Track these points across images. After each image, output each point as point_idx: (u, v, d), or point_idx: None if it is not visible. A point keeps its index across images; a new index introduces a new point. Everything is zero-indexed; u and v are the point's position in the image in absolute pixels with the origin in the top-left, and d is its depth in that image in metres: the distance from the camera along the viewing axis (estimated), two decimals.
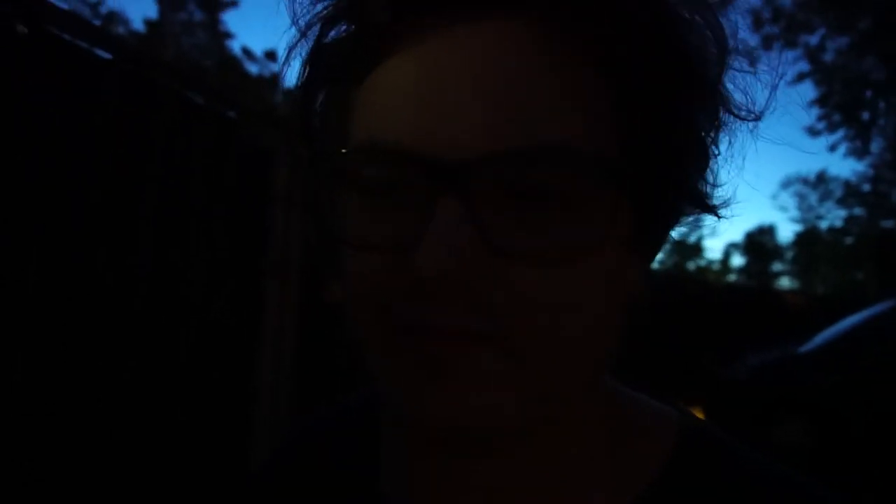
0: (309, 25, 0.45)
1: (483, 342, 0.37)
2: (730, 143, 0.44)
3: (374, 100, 0.40)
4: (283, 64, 0.47)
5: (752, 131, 0.44)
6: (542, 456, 0.44)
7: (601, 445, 0.46)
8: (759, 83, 0.43)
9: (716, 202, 0.44)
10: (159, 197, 2.01)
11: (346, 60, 0.43)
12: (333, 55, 0.44)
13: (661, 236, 0.45)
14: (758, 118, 0.43)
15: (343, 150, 0.42)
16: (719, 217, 0.45)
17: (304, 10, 0.45)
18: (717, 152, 0.44)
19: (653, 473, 0.44)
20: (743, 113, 0.43)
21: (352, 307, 0.42)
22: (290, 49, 0.47)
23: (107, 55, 1.92)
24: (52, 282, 1.74)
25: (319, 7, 0.45)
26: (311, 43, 0.46)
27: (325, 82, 0.46)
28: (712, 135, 0.43)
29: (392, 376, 0.40)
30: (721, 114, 0.42)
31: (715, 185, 0.44)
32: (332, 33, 0.45)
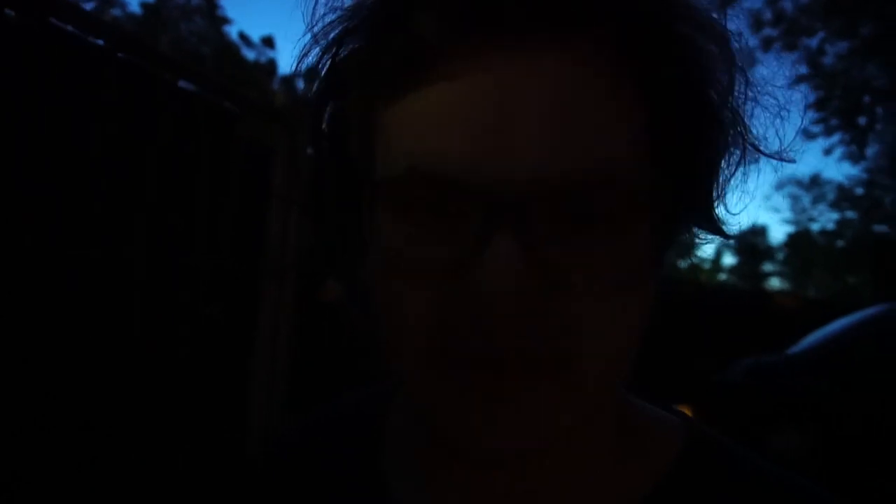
0: (325, 34, 0.43)
1: (542, 370, 0.38)
2: (745, 171, 0.45)
3: (423, 117, 0.38)
4: (296, 65, 0.45)
5: (776, 170, 0.46)
6: (557, 463, 0.45)
7: (610, 452, 0.47)
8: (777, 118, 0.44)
9: (726, 226, 0.46)
10: (155, 194, 1.96)
11: (378, 72, 0.40)
12: (360, 69, 0.42)
13: (669, 250, 0.47)
14: (787, 159, 0.44)
15: (390, 166, 0.40)
16: (728, 238, 0.47)
17: (319, 18, 0.43)
18: (732, 180, 0.45)
19: (658, 478, 0.45)
20: (768, 150, 0.44)
21: (393, 332, 0.41)
22: (301, 57, 0.44)
23: (102, 43, 1.85)
24: (47, 279, 1.69)
25: (335, 16, 0.42)
26: (321, 51, 0.44)
27: (345, 96, 0.43)
28: (729, 162, 0.44)
29: (442, 406, 0.39)
30: (739, 144, 0.44)
31: (727, 211, 0.46)
32: (351, 46, 0.42)
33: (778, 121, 0.44)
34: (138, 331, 1.89)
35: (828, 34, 13.40)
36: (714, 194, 0.45)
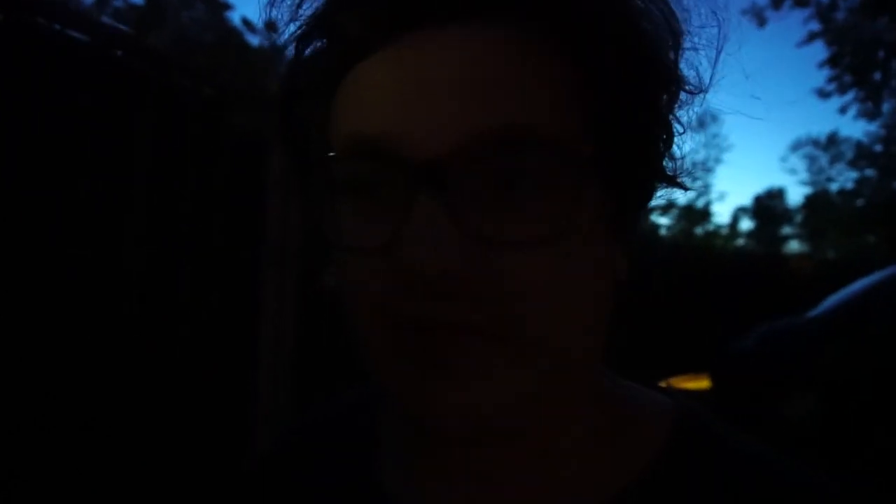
0: (285, 44, 0.47)
1: (483, 335, 0.38)
2: (692, 118, 0.47)
3: (349, 105, 0.41)
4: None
5: (700, 105, 0.47)
6: (538, 446, 0.45)
7: (594, 435, 0.47)
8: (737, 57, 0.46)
9: (682, 176, 0.47)
10: (150, 188, 1.97)
11: (321, 73, 0.44)
12: (309, 70, 0.46)
13: (637, 216, 0.47)
14: (703, 91, 0.46)
15: (325, 154, 0.43)
16: (686, 190, 0.48)
17: (285, 26, 0.47)
18: (680, 130, 0.46)
19: (645, 463, 0.45)
20: (691, 88, 0.46)
21: (348, 307, 0.43)
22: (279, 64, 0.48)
23: (88, 40, 1.85)
24: (43, 278, 1.71)
25: (294, 26, 0.47)
26: (288, 57, 0.47)
27: (302, 96, 0.47)
28: (674, 113, 0.46)
29: (395, 376, 0.40)
30: (679, 93, 0.45)
31: (680, 160, 0.47)
32: (308, 49, 0.46)
33: (710, 61, 0.46)
34: (138, 326, 1.91)
35: None
36: (659, 147, 0.46)
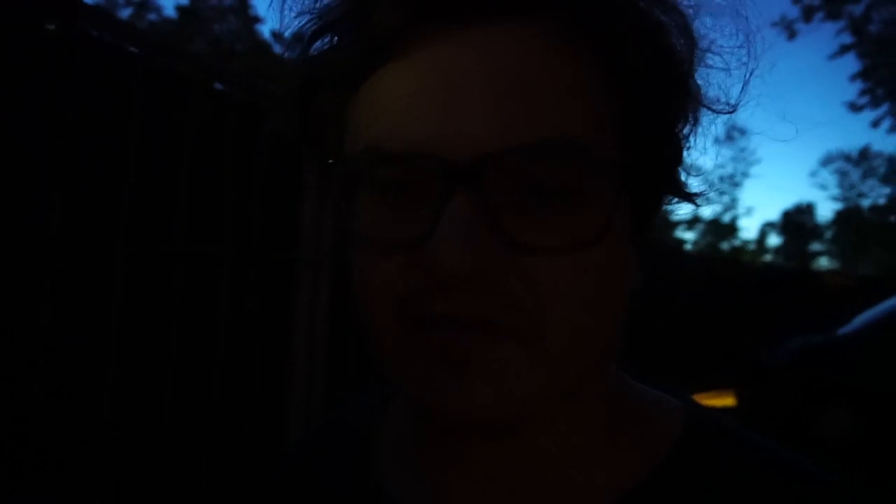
0: (297, 38, 0.46)
1: (504, 333, 0.38)
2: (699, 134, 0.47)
3: (380, 101, 0.41)
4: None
5: (723, 123, 0.47)
6: (544, 445, 0.45)
7: (602, 435, 0.46)
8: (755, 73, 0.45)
9: (694, 190, 0.48)
10: (189, 190, 2.02)
11: (343, 67, 0.43)
12: (330, 62, 0.45)
13: (650, 226, 0.48)
14: (732, 111, 0.46)
15: (354, 152, 0.42)
16: (698, 206, 0.48)
17: (290, 22, 0.46)
18: (691, 145, 0.47)
19: (655, 461, 0.45)
20: (718, 107, 0.46)
21: (366, 303, 0.42)
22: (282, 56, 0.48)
23: (134, 49, 1.92)
24: (85, 280, 1.76)
25: (305, 19, 0.45)
26: (295, 52, 0.47)
27: (320, 89, 0.46)
28: (689, 128, 0.46)
29: (411, 371, 0.41)
30: (695, 109, 0.45)
31: (692, 175, 0.47)
32: (320, 45, 0.45)
33: (726, 78, 0.46)
34: (176, 327, 1.95)
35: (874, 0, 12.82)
36: (678, 160, 0.46)
